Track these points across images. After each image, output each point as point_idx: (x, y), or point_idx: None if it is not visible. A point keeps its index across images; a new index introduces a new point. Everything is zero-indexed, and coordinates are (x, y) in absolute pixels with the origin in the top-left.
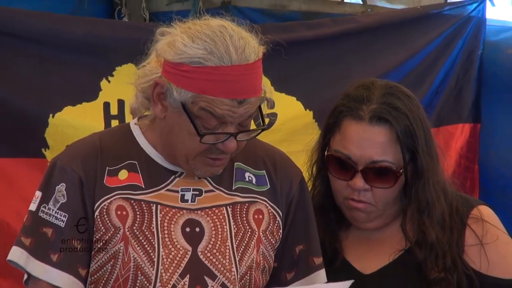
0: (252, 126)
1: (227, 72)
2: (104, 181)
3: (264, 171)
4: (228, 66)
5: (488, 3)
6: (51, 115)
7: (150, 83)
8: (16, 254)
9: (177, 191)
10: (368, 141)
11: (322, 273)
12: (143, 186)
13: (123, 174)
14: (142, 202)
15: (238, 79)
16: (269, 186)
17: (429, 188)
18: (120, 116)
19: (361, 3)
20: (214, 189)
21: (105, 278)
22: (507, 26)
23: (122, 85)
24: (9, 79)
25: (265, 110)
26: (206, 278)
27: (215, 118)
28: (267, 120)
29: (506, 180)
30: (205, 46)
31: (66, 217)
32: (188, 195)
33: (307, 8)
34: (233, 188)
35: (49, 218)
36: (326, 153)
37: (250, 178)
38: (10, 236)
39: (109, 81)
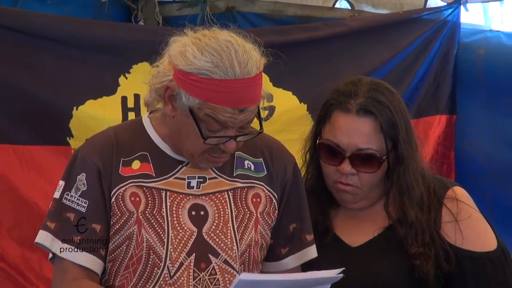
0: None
1: (231, 85)
2: (119, 171)
3: (262, 159)
4: (232, 79)
5: (462, 9)
6: (75, 108)
7: (163, 85)
8: (42, 237)
9: (184, 179)
10: (355, 131)
11: (313, 248)
12: (154, 175)
13: (136, 164)
14: (153, 189)
15: (240, 91)
16: (266, 172)
17: (408, 173)
18: (136, 109)
19: (350, 8)
20: (216, 176)
21: (121, 257)
22: (479, 29)
23: (138, 81)
24: (39, 76)
25: (264, 104)
26: (210, 256)
27: (218, 123)
28: (265, 113)
29: (477, 165)
30: (212, 59)
31: (87, 204)
32: (193, 182)
33: (302, 13)
34: (234, 175)
35: (72, 204)
36: (318, 141)
37: (249, 166)
38: (39, 215)
39: (126, 78)
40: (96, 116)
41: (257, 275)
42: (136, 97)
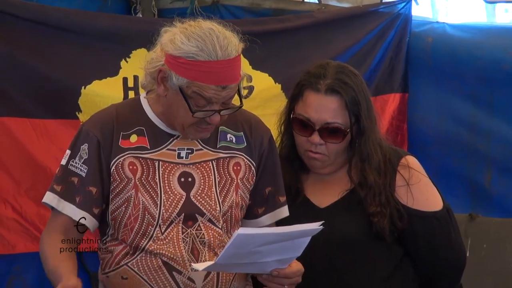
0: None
1: (214, 65)
2: (119, 143)
3: (242, 132)
4: (215, 61)
5: (413, 3)
6: (83, 87)
7: (156, 69)
8: (49, 198)
9: (175, 150)
10: (323, 107)
11: (285, 208)
12: (149, 147)
13: (133, 138)
14: (148, 159)
15: (222, 71)
16: (245, 144)
17: (369, 143)
18: (135, 88)
19: (317, 2)
20: (202, 148)
21: (120, 216)
22: (427, 21)
23: (137, 64)
24: (53, 60)
25: (245, 84)
26: (197, 215)
27: (204, 99)
28: (245, 92)
29: (426, 136)
30: (197, 44)
31: (87, 169)
32: (183, 153)
33: (276, 6)
34: (218, 147)
35: (76, 170)
36: (291, 116)
37: (231, 138)
38: (51, 178)
39: (127, 61)
40: (101, 94)
41: (253, 229)
42: (136, 78)
